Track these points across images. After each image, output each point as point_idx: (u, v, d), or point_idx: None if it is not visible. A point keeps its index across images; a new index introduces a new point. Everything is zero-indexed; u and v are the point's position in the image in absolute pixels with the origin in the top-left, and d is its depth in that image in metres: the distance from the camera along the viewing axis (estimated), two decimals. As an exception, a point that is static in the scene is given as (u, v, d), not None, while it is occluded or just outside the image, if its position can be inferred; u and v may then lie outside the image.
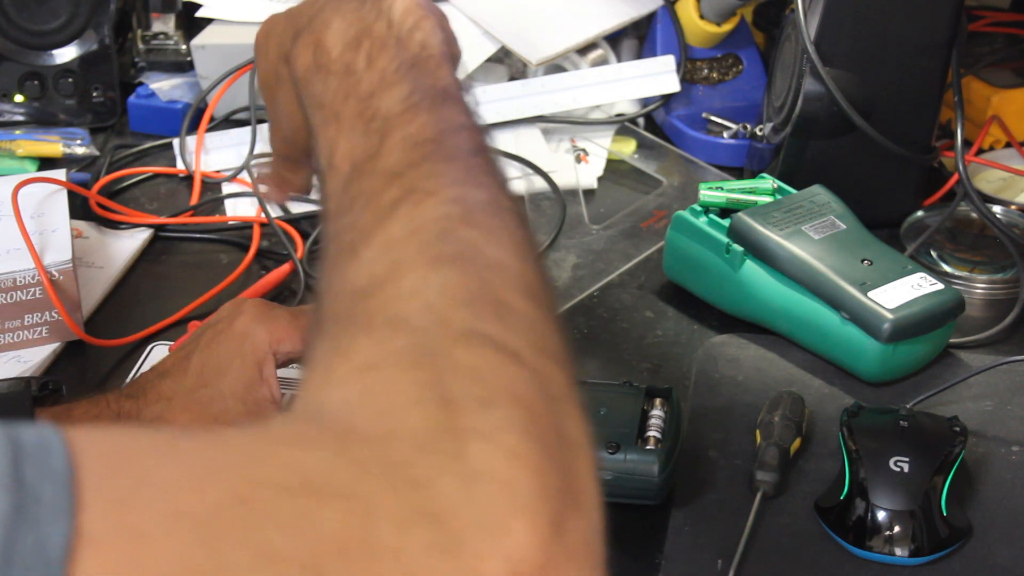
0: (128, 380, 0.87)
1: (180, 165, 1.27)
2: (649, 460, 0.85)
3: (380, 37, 0.65)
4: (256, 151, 1.25)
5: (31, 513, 0.41)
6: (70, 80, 1.33)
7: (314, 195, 1.22)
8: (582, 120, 1.32)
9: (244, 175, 1.23)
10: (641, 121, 1.34)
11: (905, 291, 0.98)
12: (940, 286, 0.99)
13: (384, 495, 0.45)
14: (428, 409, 0.48)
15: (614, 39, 1.37)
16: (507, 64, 1.35)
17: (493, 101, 1.28)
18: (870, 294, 0.98)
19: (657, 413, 0.88)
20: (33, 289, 1.02)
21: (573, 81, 1.30)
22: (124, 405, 0.82)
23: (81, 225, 1.16)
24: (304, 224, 1.18)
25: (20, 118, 1.34)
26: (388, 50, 0.65)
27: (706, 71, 1.34)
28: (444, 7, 1.33)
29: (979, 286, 1.10)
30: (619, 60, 1.36)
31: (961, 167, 1.13)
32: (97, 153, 1.30)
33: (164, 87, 1.36)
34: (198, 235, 1.18)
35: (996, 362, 0.99)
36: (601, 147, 1.29)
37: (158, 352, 1.02)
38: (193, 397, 0.81)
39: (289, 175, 0.77)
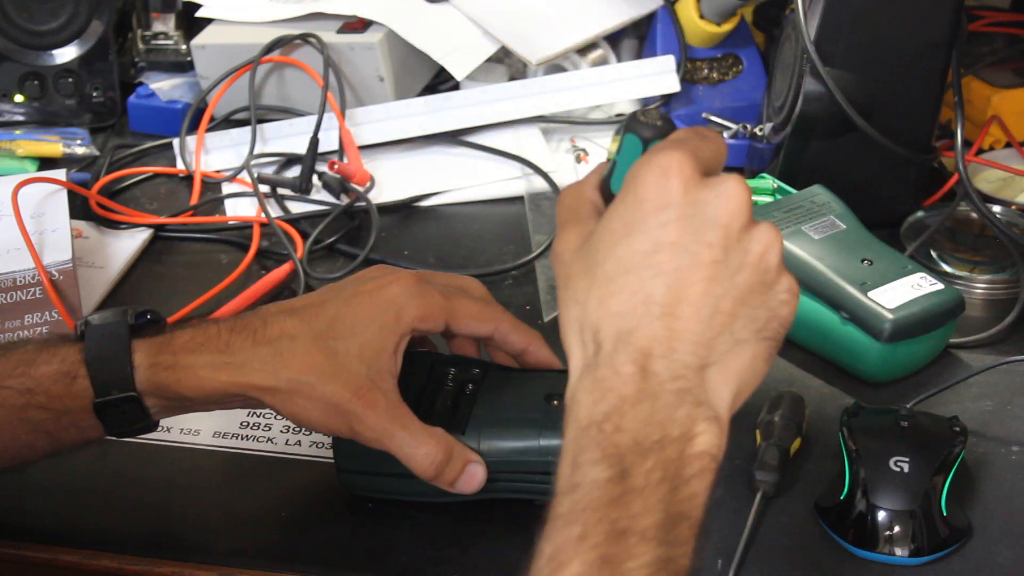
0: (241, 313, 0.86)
1: (180, 165, 1.27)
2: None
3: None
4: (256, 151, 1.25)
5: None
6: (70, 80, 1.34)
7: (314, 195, 1.22)
8: (582, 120, 1.32)
9: (244, 175, 1.24)
10: (641, 121, 1.33)
11: (905, 291, 0.98)
12: (940, 286, 1.00)
13: None
14: None
15: (614, 39, 1.37)
16: (507, 64, 1.35)
17: (493, 101, 1.28)
18: (870, 294, 0.98)
19: None
20: (33, 289, 1.02)
21: (573, 81, 1.30)
22: (234, 338, 0.80)
23: (81, 225, 1.16)
24: (304, 224, 1.18)
25: (20, 118, 1.34)
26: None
27: (706, 71, 1.34)
28: (444, 7, 1.34)
29: (979, 286, 1.10)
30: (619, 60, 1.36)
31: (961, 167, 1.13)
32: (97, 153, 1.30)
33: (164, 87, 1.36)
34: (198, 235, 1.18)
35: (996, 362, 0.99)
36: (601, 147, 1.29)
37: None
38: (318, 344, 0.80)
39: None
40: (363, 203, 1.19)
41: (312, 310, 0.82)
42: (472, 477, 0.82)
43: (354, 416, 0.79)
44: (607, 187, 0.73)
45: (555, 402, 0.84)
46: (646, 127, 0.71)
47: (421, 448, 0.80)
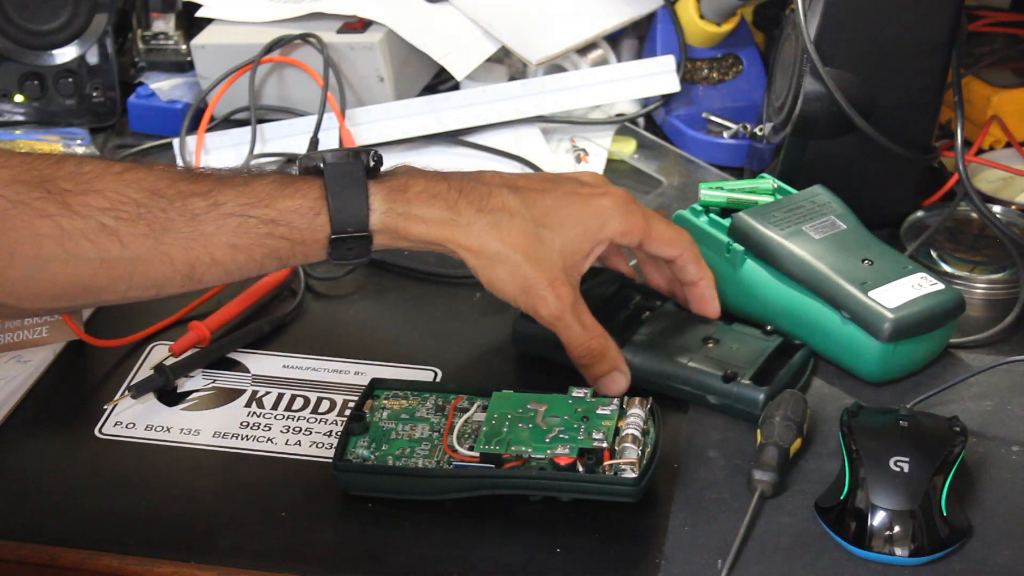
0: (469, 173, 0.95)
1: (180, 165, 1.27)
2: (755, 393, 0.94)
3: None
4: (256, 151, 1.25)
5: None
6: (70, 80, 1.34)
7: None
8: (582, 120, 1.32)
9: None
10: (641, 121, 1.34)
11: (905, 291, 0.98)
12: (940, 286, 1.00)
13: None
14: None
15: (614, 39, 1.37)
16: (507, 64, 1.35)
17: (493, 101, 1.28)
18: (870, 294, 0.98)
19: (636, 412, 0.88)
20: (33, 289, 1.02)
21: (573, 81, 1.30)
22: (462, 200, 0.90)
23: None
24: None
25: (20, 118, 1.34)
26: None
27: (706, 71, 1.34)
28: (444, 7, 1.33)
29: (979, 286, 1.10)
30: (619, 60, 1.36)
31: (961, 167, 1.13)
32: (97, 153, 1.30)
33: (164, 87, 1.36)
34: (198, 235, 1.18)
35: (996, 362, 0.99)
36: (601, 147, 1.29)
37: (158, 352, 1.02)
38: (531, 227, 0.90)
39: None
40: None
41: (532, 195, 0.91)
42: (614, 382, 0.92)
43: (541, 299, 0.90)
44: None
45: (709, 344, 0.98)
46: None
47: (585, 338, 0.91)
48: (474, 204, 0.90)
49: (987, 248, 1.14)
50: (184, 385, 1.00)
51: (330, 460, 0.89)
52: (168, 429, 0.95)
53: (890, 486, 0.84)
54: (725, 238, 1.04)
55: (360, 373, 1.00)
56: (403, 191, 0.89)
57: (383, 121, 1.27)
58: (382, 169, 0.90)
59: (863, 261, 1.01)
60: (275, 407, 0.97)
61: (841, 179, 1.10)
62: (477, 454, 0.87)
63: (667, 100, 1.32)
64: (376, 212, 0.88)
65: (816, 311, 1.00)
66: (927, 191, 1.20)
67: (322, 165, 0.88)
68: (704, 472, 0.91)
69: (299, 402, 0.98)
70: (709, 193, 1.07)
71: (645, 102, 1.34)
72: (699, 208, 1.06)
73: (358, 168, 0.88)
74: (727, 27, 1.32)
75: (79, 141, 1.30)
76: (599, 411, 0.89)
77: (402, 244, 0.90)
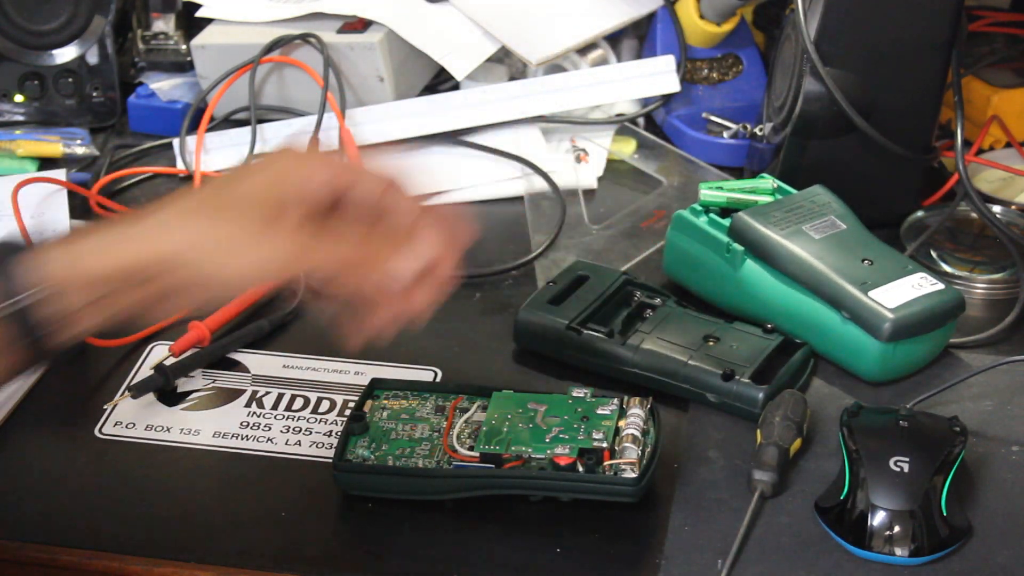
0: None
1: (180, 165, 1.27)
2: (754, 391, 0.94)
3: None
4: (256, 151, 1.25)
5: None
6: (70, 80, 1.34)
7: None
8: (582, 120, 1.32)
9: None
10: (641, 121, 1.34)
11: (905, 291, 0.98)
12: (940, 286, 1.00)
13: None
14: None
15: (614, 39, 1.37)
16: (507, 64, 1.35)
17: (493, 101, 1.28)
18: (870, 294, 0.98)
19: (636, 412, 0.88)
20: (33, 289, 1.02)
21: (573, 81, 1.30)
22: (132, 215, 0.80)
23: (81, 225, 1.16)
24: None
25: (20, 118, 1.34)
26: None
27: (706, 71, 1.34)
28: (444, 7, 1.33)
29: (979, 286, 1.10)
30: (619, 60, 1.36)
31: (961, 167, 1.13)
32: (97, 153, 1.30)
33: (164, 87, 1.36)
34: (198, 235, 1.18)
35: (996, 362, 0.99)
36: (601, 147, 1.29)
37: (158, 352, 1.02)
38: (207, 205, 0.79)
39: None
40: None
41: (207, 182, 0.88)
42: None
43: (284, 237, 0.78)
44: None
45: (710, 342, 0.98)
46: None
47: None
48: (151, 214, 0.78)
49: (987, 248, 1.14)
50: (184, 385, 0.99)
51: (330, 460, 0.88)
52: (168, 429, 0.95)
53: (890, 486, 0.84)
54: (725, 238, 1.04)
55: (360, 373, 1.00)
56: (75, 237, 0.78)
57: (383, 121, 1.27)
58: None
59: (863, 261, 1.01)
60: (275, 407, 0.97)
61: (841, 179, 1.10)
62: (477, 454, 0.87)
63: (667, 100, 1.32)
64: (49, 264, 0.75)
65: (816, 311, 1.00)
66: (927, 191, 1.20)
67: None
68: (704, 472, 0.91)
69: (299, 402, 0.98)
70: (709, 193, 1.07)
71: (645, 102, 1.34)
72: (699, 208, 1.06)
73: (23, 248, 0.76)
74: (727, 27, 1.32)
75: (79, 141, 1.30)
76: (599, 411, 0.89)
77: (96, 282, 0.76)
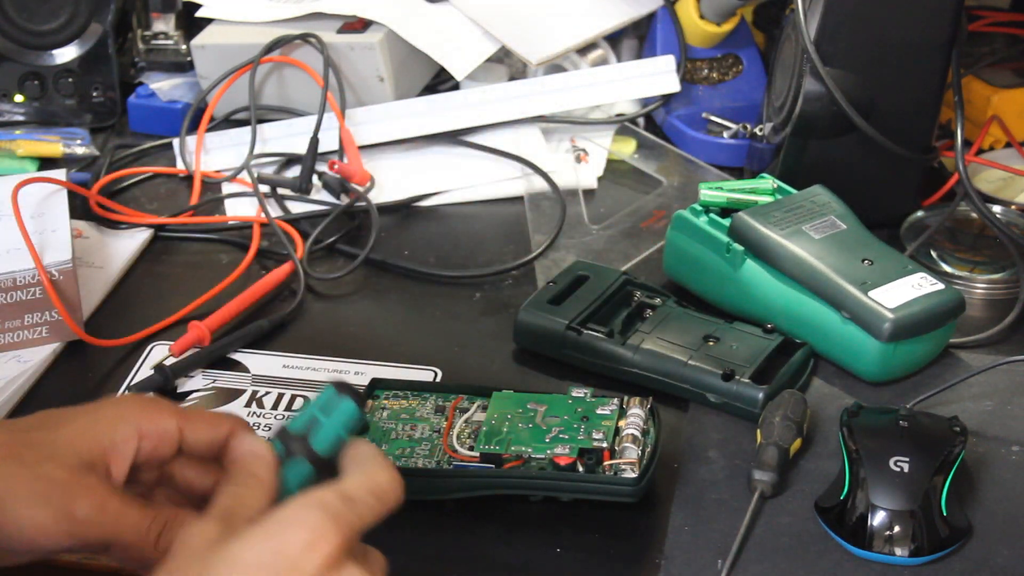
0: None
1: (180, 165, 1.27)
2: (754, 391, 0.94)
3: None
4: (256, 151, 1.25)
5: None
6: (70, 80, 1.34)
7: (314, 195, 1.22)
8: (582, 120, 1.32)
9: (244, 175, 1.24)
10: (641, 121, 1.34)
11: (905, 291, 0.98)
12: (940, 286, 1.00)
13: None
14: None
15: (614, 39, 1.37)
16: (507, 64, 1.35)
17: (493, 101, 1.28)
18: (871, 294, 0.98)
19: (636, 412, 0.88)
20: (33, 289, 1.02)
21: (573, 81, 1.30)
22: None
23: (81, 225, 1.16)
24: (304, 224, 1.18)
25: (20, 118, 1.34)
26: None
27: (706, 71, 1.34)
28: (444, 7, 1.33)
29: (979, 286, 1.10)
30: (619, 60, 1.36)
31: (961, 167, 1.13)
32: (97, 153, 1.30)
33: (164, 87, 1.36)
34: (198, 235, 1.18)
35: (996, 362, 0.99)
36: (601, 147, 1.29)
37: (158, 352, 1.02)
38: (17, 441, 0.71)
39: None
40: (363, 203, 1.19)
41: (16, 421, 0.73)
42: None
43: (69, 498, 0.69)
44: (293, 439, 0.71)
45: (710, 343, 0.98)
46: (356, 393, 0.72)
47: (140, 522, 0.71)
48: None
49: (987, 248, 1.14)
50: (184, 385, 0.99)
51: (330, 460, 0.88)
52: (168, 429, 0.95)
53: (890, 486, 0.84)
54: (725, 238, 1.04)
55: (360, 373, 1.00)
56: None
57: (383, 121, 1.27)
58: None
59: (863, 261, 1.01)
60: (275, 407, 0.97)
61: (841, 179, 1.10)
62: (477, 454, 0.87)
63: (667, 100, 1.32)
64: None
65: (816, 311, 1.00)
66: (927, 191, 1.20)
67: None
68: (704, 472, 0.91)
69: (299, 402, 0.98)
70: (709, 193, 1.07)
71: (645, 102, 1.34)
72: (699, 208, 1.06)
73: None
74: (727, 27, 1.32)
75: (79, 141, 1.30)
76: (599, 411, 0.89)
77: None
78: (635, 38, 1.39)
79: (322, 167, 1.23)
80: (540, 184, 1.23)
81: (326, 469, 0.71)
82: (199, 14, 1.36)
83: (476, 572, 0.84)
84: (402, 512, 0.87)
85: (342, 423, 0.72)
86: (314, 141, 1.23)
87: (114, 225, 1.18)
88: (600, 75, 1.31)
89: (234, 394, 0.99)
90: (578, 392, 0.91)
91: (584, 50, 1.34)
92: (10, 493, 0.68)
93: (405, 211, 1.22)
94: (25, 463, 0.68)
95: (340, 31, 1.30)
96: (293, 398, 0.98)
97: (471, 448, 0.88)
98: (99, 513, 0.69)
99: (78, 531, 0.69)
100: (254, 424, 0.96)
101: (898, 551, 0.84)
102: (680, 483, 0.90)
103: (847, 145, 1.14)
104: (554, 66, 1.33)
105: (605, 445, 0.86)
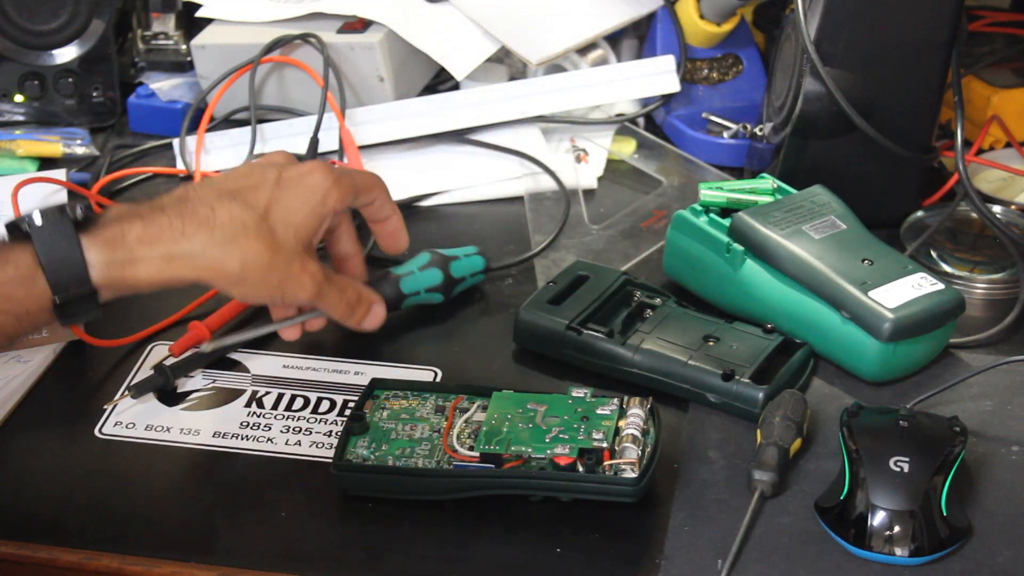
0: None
1: (180, 165, 1.27)
2: (754, 391, 0.94)
3: None
4: (256, 151, 1.25)
5: None
6: (70, 80, 1.34)
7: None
8: (582, 120, 1.32)
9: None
10: (641, 121, 1.34)
11: (905, 291, 0.98)
12: (940, 286, 1.00)
13: None
14: None
15: (614, 39, 1.37)
16: (507, 64, 1.35)
17: (493, 101, 1.28)
18: (870, 294, 0.98)
19: (636, 412, 0.88)
20: (33, 289, 1.02)
21: (573, 81, 1.30)
22: (187, 226, 0.86)
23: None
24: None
25: (20, 118, 1.34)
26: None
27: (706, 71, 1.34)
28: (444, 7, 1.33)
29: (979, 286, 1.10)
30: (619, 60, 1.36)
31: (961, 167, 1.13)
32: (97, 153, 1.30)
33: (164, 87, 1.36)
34: (198, 235, 1.18)
35: (996, 362, 0.99)
36: (601, 147, 1.29)
37: (158, 352, 1.02)
38: (261, 229, 0.88)
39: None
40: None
41: (250, 194, 0.89)
42: (375, 316, 0.96)
43: (298, 285, 0.90)
44: None
45: (710, 342, 0.98)
46: None
47: (342, 298, 0.94)
48: (203, 226, 0.86)
49: (987, 248, 1.14)
50: (184, 385, 0.99)
51: (330, 460, 0.89)
52: (168, 429, 0.95)
53: (890, 486, 0.84)
54: (725, 238, 1.04)
55: (360, 373, 1.00)
56: (121, 239, 0.85)
57: (383, 121, 1.27)
58: (104, 216, 0.86)
59: (863, 261, 1.01)
60: (275, 407, 0.97)
61: (841, 179, 1.10)
62: (477, 454, 0.87)
63: (667, 100, 1.32)
64: (96, 267, 0.84)
65: (816, 311, 1.00)
66: (927, 191, 1.20)
67: (27, 228, 0.83)
68: (704, 472, 0.91)
69: (299, 402, 0.98)
70: (709, 193, 1.07)
71: (645, 102, 1.34)
72: (699, 208, 1.06)
73: (66, 225, 0.83)
74: (727, 27, 1.32)
75: (79, 141, 1.30)
76: (599, 411, 0.89)
77: (140, 290, 0.86)
78: (635, 38, 1.39)
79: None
80: (540, 184, 1.23)
81: None
82: (199, 14, 1.36)
83: (476, 572, 0.84)
84: (402, 512, 0.87)
85: None
86: (314, 141, 1.23)
87: (114, 225, 1.18)
88: (600, 75, 1.31)
89: (234, 394, 0.99)
90: (578, 392, 0.91)
91: (584, 50, 1.34)
92: (250, 280, 0.88)
93: (405, 211, 1.22)
94: (259, 247, 0.88)
95: (340, 31, 1.30)
96: (293, 398, 0.98)
97: (471, 448, 0.88)
98: (311, 294, 0.91)
99: (296, 302, 0.95)
100: (254, 424, 0.96)
101: (898, 551, 0.84)
102: (680, 483, 0.90)
103: (847, 145, 1.14)
104: (554, 66, 1.33)
105: (605, 445, 0.86)
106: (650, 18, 1.35)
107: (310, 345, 1.03)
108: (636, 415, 0.88)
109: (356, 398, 0.94)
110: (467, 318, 1.07)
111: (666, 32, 1.33)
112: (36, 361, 1.01)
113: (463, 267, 1.07)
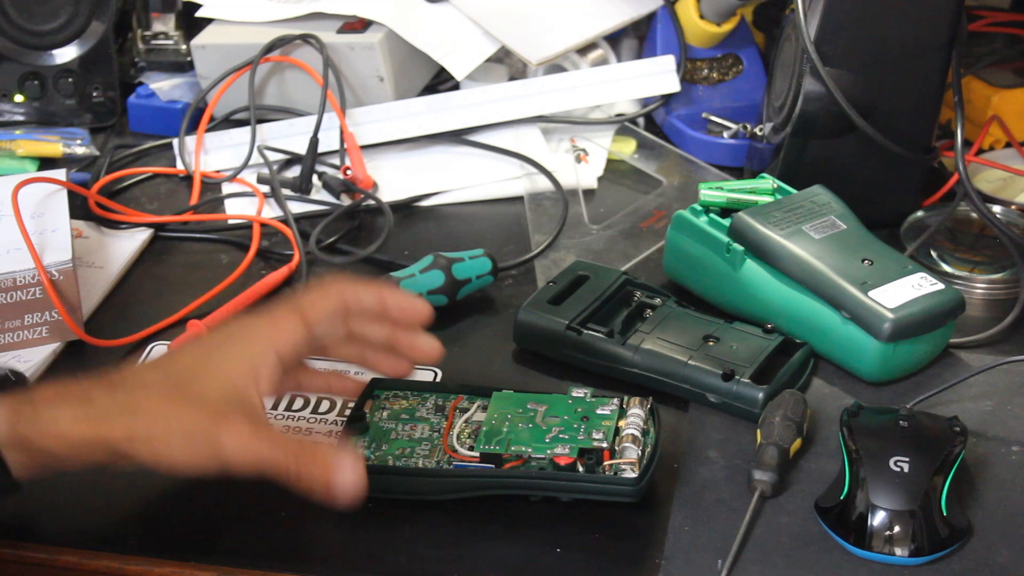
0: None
1: (180, 165, 1.27)
2: (754, 392, 0.94)
3: None
4: (256, 150, 1.25)
5: None
6: (70, 80, 1.34)
7: (314, 195, 1.22)
8: (582, 120, 1.32)
9: (244, 175, 1.24)
10: (641, 121, 1.34)
11: (905, 291, 0.98)
12: (940, 286, 1.00)
13: None
14: None
15: (614, 39, 1.37)
16: (507, 64, 1.35)
17: (493, 101, 1.28)
18: (870, 294, 0.98)
19: (636, 412, 0.88)
20: (33, 289, 1.02)
21: (573, 81, 1.30)
22: (93, 390, 0.82)
23: (81, 225, 1.16)
24: (304, 224, 1.18)
25: (20, 118, 1.34)
26: None
27: (706, 71, 1.34)
28: (444, 7, 1.34)
29: (979, 286, 1.10)
30: (619, 60, 1.36)
31: (961, 167, 1.13)
32: (97, 153, 1.30)
33: (164, 87, 1.36)
34: (198, 235, 1.18)
35: (996, 362, 0.99)
36: (601, 147, 1.29)
37: (158, 352, 1.02)
38: (173, 386, 0.82)
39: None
40: (373, 202, 1.19)
41: (169, 360, 0.86)
42: (342, 476, 0.82)
43: (217, 445, 0.80)
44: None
45: (710, 343, 0.98)
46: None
47: (283, 451, 0.81)
48: (107, 389, 0.81)
49: (987, 248, 1.14)
50: (184, 385, 0.99)
51: (330, 460, 0.88)
52: (168, 429, 0.95)
53: (890, 486, 0.84)
54: (725, 238, 1.04)
55: (360, 373, 1.00)
56: (29, 398, 0.81)
57: (383, 121, 1.27)
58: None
59: (863, 261, 1.01)
60: (275, 407, 0.97)
61: (841, 179, 1.10)
62: (477, 454, 0.87)
63: (667, 100, 1.32)
64: (0, 423, 0.79)
65: (816, 311, 1.00)
66: (927, 191, 1.20)
67: None
68: (704, 472, 0.91)
69: (299, 402, 0.98)
70: (709, 193, 1.07)
71: (645, 102, 1.34)
72: (699, 208, 1.06)
73: None
74: (727, 27, 1.32)
75: (79, 141, 1.30)
76: (599, 411, 0.89)
77: (52, 464, 0.81)
78: (635, 38, 1.39)
79: (322, 167, 1.23)
80: (540, 184, 1.23)
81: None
82: (199, 14, 1.36)
83: (476, 572, 0.84)
84: (402, 512, 0.87)
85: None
86: (314, 141, 1.23)
87: (114, 225, 1.18)
88: (600, 75, 1.31)
89: (234, 394, 0.99)
90: (578, 392, 0.91)
91: (584, 50, 1.34)
92: (165, 435, 0.80)
93: (405, 211, 1.22)
94: (175, 404, 0.80)
95: (340, 31, 1.30)
96: (293, 398, 0.98)
97: (471, 448, 0.88)
98: (242, 451, 0.80)
99: (227, 464, 0.80)
100: (254, 424, 0.96)
101: (898, 551, 0.84)
102: (680, 483, 0.90)
103: (847, 145, 1.14)
104: (554, 66, 1.33)
105: (605, 445, 0.86)
106: (650, 18, 1.35)
107: (310, 345, 1.03)
108: (636, 415, 0.88)
109: (356, 398, 0.94)
110: (467, 318, 1.07)
111: (666, 32, 1.33)
112: (36, 361, 1.01)
113: (467, 269, 1.07)
